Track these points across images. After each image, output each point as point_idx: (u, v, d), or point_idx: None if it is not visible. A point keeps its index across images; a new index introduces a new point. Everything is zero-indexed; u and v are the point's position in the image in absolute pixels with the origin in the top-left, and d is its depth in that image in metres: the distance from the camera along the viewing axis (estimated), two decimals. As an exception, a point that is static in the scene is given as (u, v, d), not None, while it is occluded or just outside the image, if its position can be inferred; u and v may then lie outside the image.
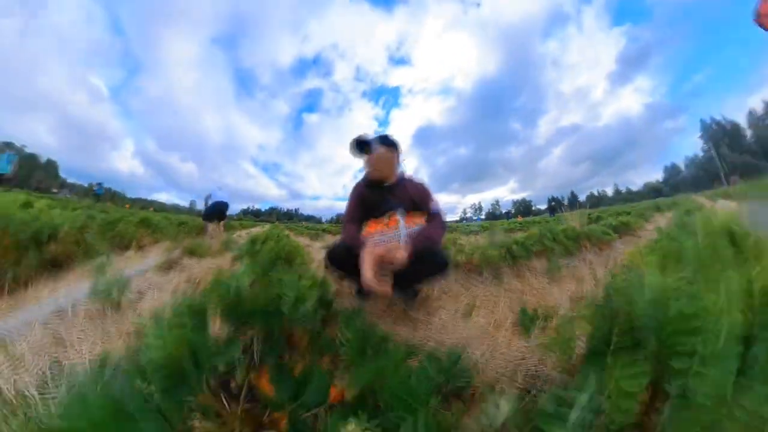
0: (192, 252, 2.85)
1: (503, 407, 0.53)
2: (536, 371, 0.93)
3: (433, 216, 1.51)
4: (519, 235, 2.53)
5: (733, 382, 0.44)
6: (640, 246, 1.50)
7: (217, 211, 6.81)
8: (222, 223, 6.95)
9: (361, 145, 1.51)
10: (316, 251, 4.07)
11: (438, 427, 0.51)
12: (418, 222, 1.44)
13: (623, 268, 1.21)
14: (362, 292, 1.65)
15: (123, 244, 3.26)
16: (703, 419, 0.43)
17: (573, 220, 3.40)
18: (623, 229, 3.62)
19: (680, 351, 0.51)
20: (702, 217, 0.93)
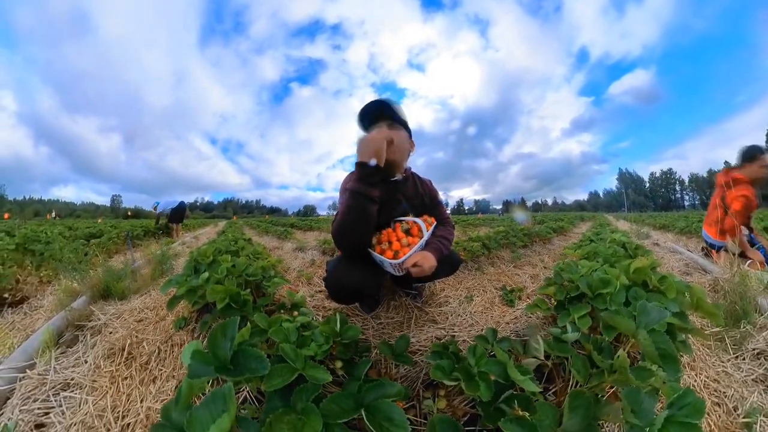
0: (106, 293, 1.94)
1: (540, 343, 0.90)
2: (527, 325, 1.53)
3: (445, 219, 1.49)
4: (490, 231, 3.30)
5: (622, 304, 1.04)
6: (571, 244, 2.26)
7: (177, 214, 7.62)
8: (179, 225, 7.78)
9: (381, 114, 1.21)
10: (289, 257, 3.58)
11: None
12: (431, 224, 1.35)
13: (564, 258, 1.90)
14: (367, 306, 1.64)
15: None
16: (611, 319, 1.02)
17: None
18: (559, 231, 5.46)
19: (600, 296, 1.11)
20: (609, 234, 1.64)
